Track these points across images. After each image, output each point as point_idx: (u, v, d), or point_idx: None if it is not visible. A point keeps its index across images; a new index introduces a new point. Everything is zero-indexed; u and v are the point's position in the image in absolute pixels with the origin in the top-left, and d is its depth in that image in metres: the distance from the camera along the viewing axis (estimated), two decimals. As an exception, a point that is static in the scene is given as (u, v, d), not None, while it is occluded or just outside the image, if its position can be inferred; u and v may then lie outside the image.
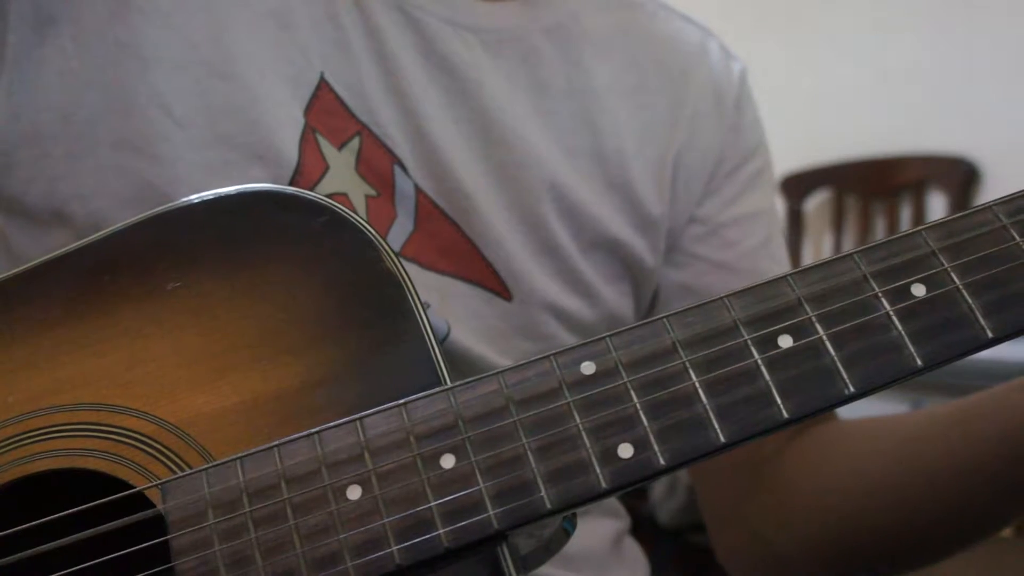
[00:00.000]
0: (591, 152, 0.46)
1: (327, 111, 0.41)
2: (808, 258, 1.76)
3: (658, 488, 1.20)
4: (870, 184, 1.68)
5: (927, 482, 0.41)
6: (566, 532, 0.30)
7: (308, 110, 0.41)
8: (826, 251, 1.76)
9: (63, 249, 0.33)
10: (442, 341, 0.41)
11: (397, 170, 0.42)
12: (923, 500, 0.41)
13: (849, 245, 1.71)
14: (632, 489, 0.28)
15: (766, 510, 0.47)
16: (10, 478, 0.30)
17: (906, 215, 1.66)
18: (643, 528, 0.54)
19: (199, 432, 0.30)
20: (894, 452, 0.43)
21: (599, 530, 0.48)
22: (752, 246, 0.50)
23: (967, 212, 0.29)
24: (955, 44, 1.60)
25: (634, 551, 0.51)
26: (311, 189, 0.40)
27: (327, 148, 0.41)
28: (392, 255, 0.31)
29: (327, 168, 0.41)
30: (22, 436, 0.31)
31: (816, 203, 1.78)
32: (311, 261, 0.32)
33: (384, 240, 0.32)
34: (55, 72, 0.39)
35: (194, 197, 0.33)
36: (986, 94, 1.56)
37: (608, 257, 0.47)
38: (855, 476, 0.44)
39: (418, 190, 0.42)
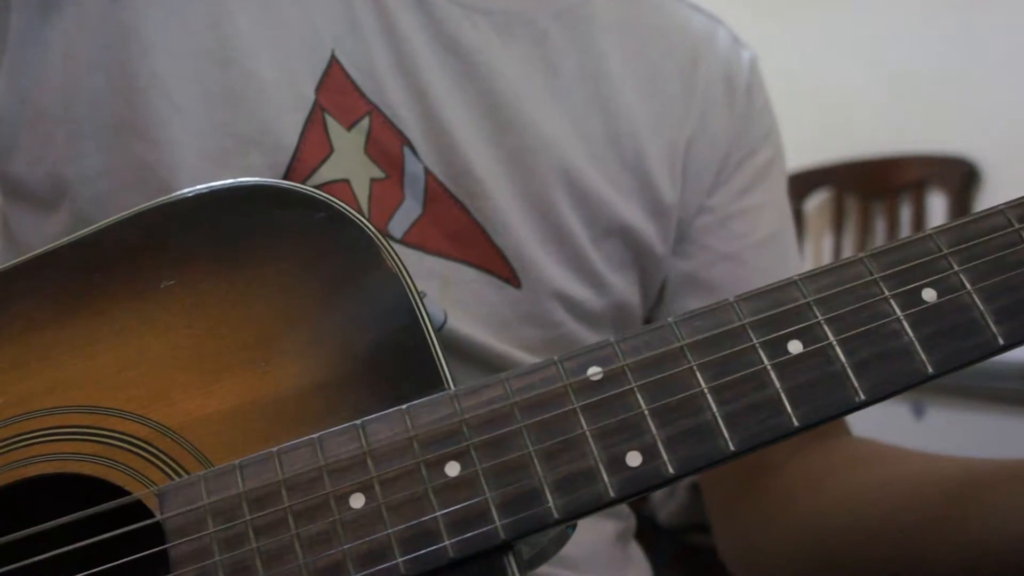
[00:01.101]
0: (605, 135, 0.46)
1: (337, 90, 0.40)
2: (808, 258, 1.76)
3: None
4: (870, 184, 1.68)
5: (916, 544, 0.38)
6: (567, 532, 0.29)
7: (319, 88, 0.40)
8: (826, 251, 1.76)
9: (53, 244, 0.32)
10: (438, 330, 0.41)
11: (407, 152, 0.42)
12: (908, 557, 0.39)
13: (849, 245, 1.71)
14: (640, 497, 0.27)
15: (761, 519, 0.47)
16: (3, 483, 0.30)
17: (906, 215, 1.66)
18: (643, 528, 0.54)
19: (195, 436, 0.29)
20: (890, 506, 0.41)
21: (604, 532, 0.48)
22: (761, 238, 0.49)
23: (978, 215, 0.29)
24: (955, 44, 1.60)
25: (637, 552, 0.51)
26: (310, 175, 0.40)
27: (335, 129, 0.40)
28: (389, 250, 0.30)
29: (331, 152, 0.40)
30: (14, 440, 0.30)
31: (816, 203, 1.78)
32: (307, 258, 0.31)
33: (382, 233, 0.31)
34: (58, 54, 0.39)
35: (187, 191, 0.32)
36: (986, 94, 1.56)
37: (619, 245, 0.46)
38: (848, 513, 0.43)
39: (427, 172, 0.42)
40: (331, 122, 0.40)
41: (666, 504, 1.20)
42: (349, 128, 0.40)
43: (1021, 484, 0.35)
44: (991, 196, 1.54)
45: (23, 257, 0.32)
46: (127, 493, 0.28)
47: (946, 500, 0.38)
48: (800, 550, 0.44)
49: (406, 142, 0.42)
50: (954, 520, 0.37)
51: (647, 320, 0.50)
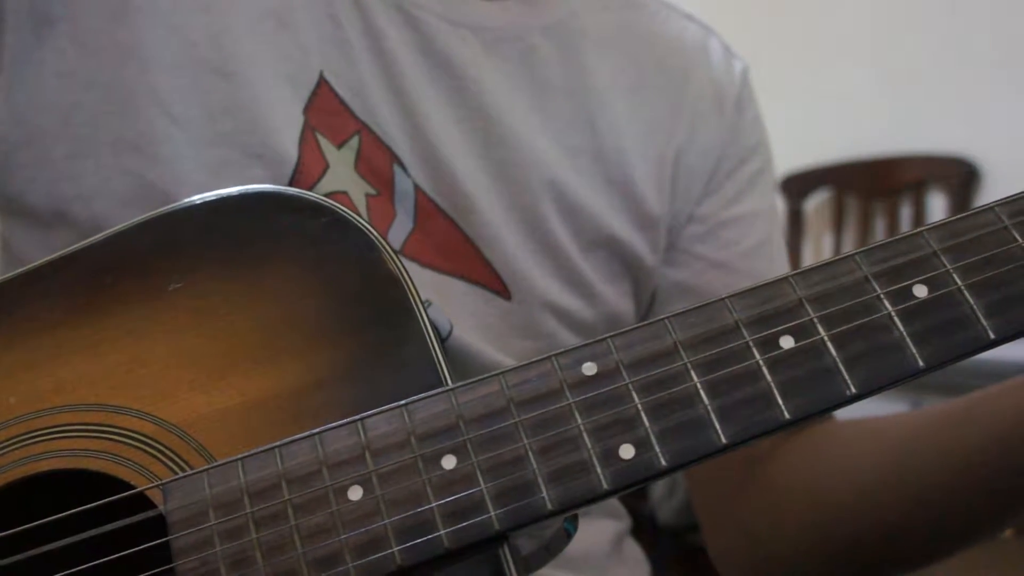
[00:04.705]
0: (591, 151, 0.46)
1: (327, 110, 0.41)
2: (808, 258, 1.76)
3: (658, 488, 1.20)
4: (870, 184, 1.68)
5: (918, 484, 0.40)
6: (567, 533, 0.30)
7: (308, 108, 0.41)
8: (826, 251, 1.76)
9: (65, 250, 0.33)
10: (445, 339, 0.41)
11: (396, 169, 0.42)
12: (914, 502, 0.41)
13: (849, 245, 1.71)
14: (633, 490, 0.28)
15: (759, 510, 0.47)
16: (12, 478, 0.30)
17: (906, 215, 1.66)
18: (643, 528, 0.54)
19: (200, 433, 0.30)
20: (886, 453, 0.42)
21: (600, 531, 0.48)
22: (751, 246, 0.50)
23: (969, 213, 0.29)
24: (955, 44, 1.60)
25: (635, 552, 0.51)
26: (311, 188, 0.40)
27: (327, 147, 0.41)
28: (393, 255, 0.31)
29: (327, 167, 0.41)
30: (24, 437, 0.31)
31: (816, 203, 1.78)
32: (312, 262, 0.32)
33: (385, 240, 0.31)
34: (54, 73, 0.39)
35: (196, 198, 0.33)
36: (986, 94, 1.56)
37: (608, 256, 0.47)
38: (847, 477, 0.44)
39: (417, 189, 0.42)
40: (322, 140, 0.41)
41: (666, 504, 1.20)
42: (339, 147, 0.41)
43: (1002, 393, 0.37)
44: (991, 196, 1.53)
45: (36, 263, 0.33)
46: (133, 488, 0.29)
47: (937, 430, 0.40)
48: (807, 523, 0.45)
49: (395, 159, 0.42)
50: (951, 442, 0.38)
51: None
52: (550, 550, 0.30)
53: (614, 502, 0.51)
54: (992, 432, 0.37)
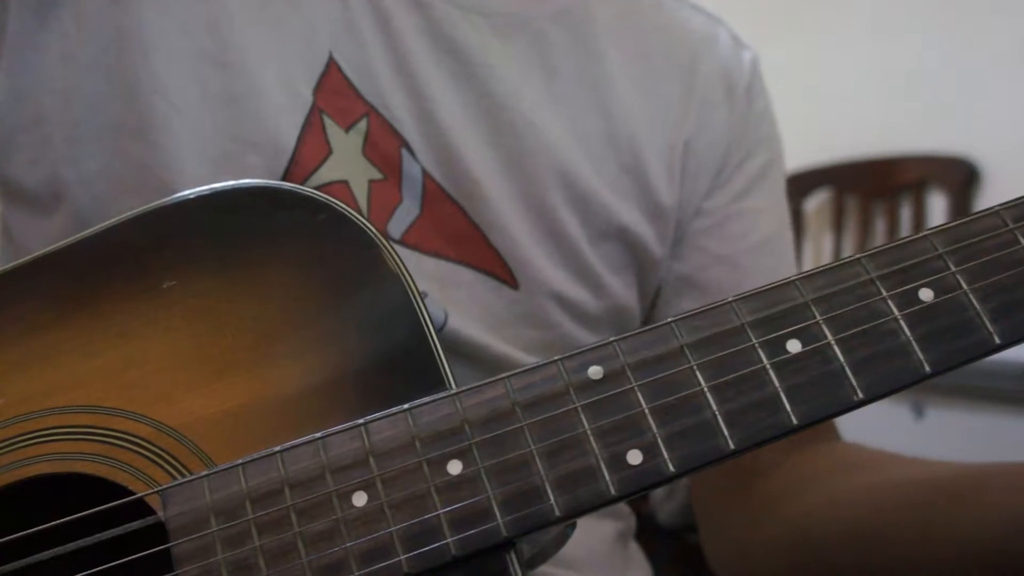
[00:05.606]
0: (604, 137, 0.46)
1: (335, 91, 0.41)
2: (808, 258, 1.76)
3: (658, 489, 1.20)
4: (870, 184, 1.68)
5: (900, 549, 0.38)
6: (565, 534, 0.30)
7: (317, 90, 0.40)
8: (826, 251, 1.76)
9: (55, 246, 0.32)
10: (439, 330, 0.41)
11: (404, 153, 0.42)
12: (888, 559, 0.39)
13: (849, 245, 1.71)
14: (641, 495, 0.27)
15: (746, 524, 0.47)
16: (4, 483, 0.30)
17: (906, 215, 1.66)
18: (643, 528, 0.54)
19: (197, 435, 0.29)
20: (877, 503, 0.41)
21: (604, 531, 0.48)
22: (757, 241, 0.49)
23: (973, 216, 0.29)
24: (955, 44, 1.60)
25: (638, 552, 0.51)
26: (309, 176, 0.40)
27: (333, 130, 0.41)
28: (391, 251, 0.31)
29: (329, 153, 0.40)
30: (15, 440, 0.30)
31: (816, 203, 1.78)
32: (309, 259, 0.31)
33: (383, 234, 0.31)
34: (56, 56, 0.39)
35: (188, 192, 0.32)
36: (986, 94, 1.57)
37: (616, 247, 0.46)
38: (832, 512, 0.42)
39: (425, 174, 0.42)
40: (329, 123, 0.40)
41: (666, 504, 1.20)
42: (347, 129, 0.41)
43: (1004, 485, 0.35)
44: (991, 196, 1.55)
45: (25, 258, 0.32)
46: (130, 492, 0.29)
47: (930, 504, 0.38)
48: (785, 552, 0.44)
49: (404, 143, 0.42)
50: (938, 524, 0.37)
51: (645, 322, 0.50)
52: (550, 549, 0.30)
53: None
54: (976, 531, 0.35)
